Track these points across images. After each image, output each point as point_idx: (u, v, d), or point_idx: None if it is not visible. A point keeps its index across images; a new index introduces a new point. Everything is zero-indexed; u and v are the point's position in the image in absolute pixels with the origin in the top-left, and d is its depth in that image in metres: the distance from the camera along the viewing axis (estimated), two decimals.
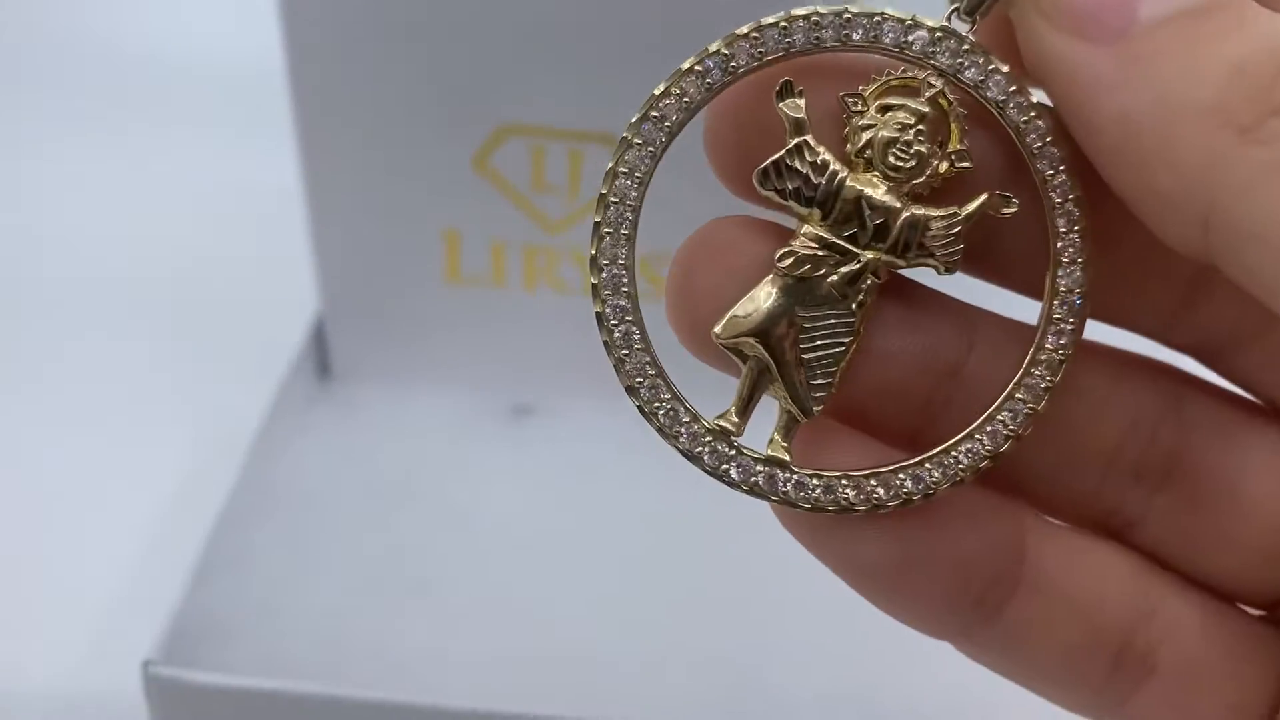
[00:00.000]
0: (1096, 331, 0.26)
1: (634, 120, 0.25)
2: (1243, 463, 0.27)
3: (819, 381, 0.25)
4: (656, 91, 0.24)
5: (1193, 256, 0.22)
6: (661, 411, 0.25)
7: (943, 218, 0.25)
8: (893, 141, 0.24)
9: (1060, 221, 0.25)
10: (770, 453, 0.25)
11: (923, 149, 0.24)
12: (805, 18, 0.24)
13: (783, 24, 0.24)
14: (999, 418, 0.25)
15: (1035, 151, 0.24)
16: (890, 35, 0.24)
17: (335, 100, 0.51)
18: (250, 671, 0.41)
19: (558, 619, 0.50)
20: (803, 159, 0.24)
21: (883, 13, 0.24)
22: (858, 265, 0.25)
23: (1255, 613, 0.28)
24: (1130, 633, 0.27)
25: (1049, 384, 0.25)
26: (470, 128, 0.51)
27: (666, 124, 0.25)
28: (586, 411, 0.57)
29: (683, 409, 0.25)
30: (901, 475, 0.25)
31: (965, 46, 0.24)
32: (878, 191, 0.25)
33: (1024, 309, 0.27)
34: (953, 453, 0.25)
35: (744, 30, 0.24)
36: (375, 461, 0.56)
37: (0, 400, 0.60)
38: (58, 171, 0.73)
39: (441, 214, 0.55)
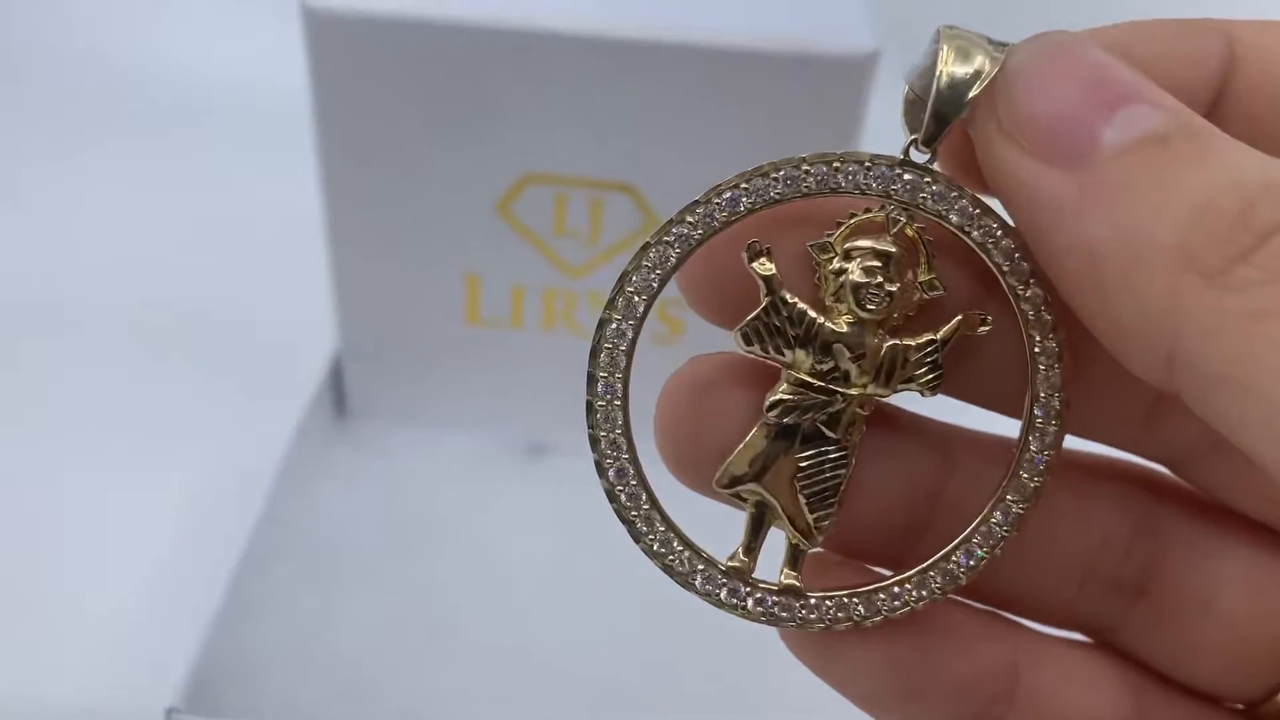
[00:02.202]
0: (1070, 442, 0.27)
1: (610, 298, 0.25)
2: (1215, 576, 0.28)
3: (821, 513, 0.26)
4: (628, 268, 0.25)
5: (1156, 385, 0.22)
6: (677, 562, 0.26)
7: (920, 346, 0.25)
8: (863, 286, 0.25)
9: (1035, 333, 0.25)
10: (785, 582, 0.26)
11: (893, 288, 0.25)
12: (763, 174, 0.25)
13: (742, 185, 0.25)
14: (992, 519, 0.26)
15: (1005, 269, 0.25)
16: (848, 178, 0.25)
17: (360, 140, 0.52)
18: (274, 717, 0.41)
19: (576, 659, 0.51)
20: (778, 314, 0.25)
21: (840, 157, 0.25)
22: (843, 403, 0.26)
23: (1237, 708, 0.29)
24: None
25: (1037, 484, 0.26)
26: (495, 174, 0.52)
27: (643, 296, 0.25)
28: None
29: (697, 556, 0.26)
30: (907, 585, 0.26)
31: (925, 178, 0.25)
32: (854, 331, 0.25)
33: (1008, 427, 0.28)
34: (952, 558, 0.26)
35: (703, 196, 0.25)
36: (392, 501, 0.56)
37: (14, 436, 0.60)
38: (79, 199, 0.74)
39: (463, 257, 0.55)
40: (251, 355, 0.64)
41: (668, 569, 0.26)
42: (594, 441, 0.26)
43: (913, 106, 0.25)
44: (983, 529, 0.26)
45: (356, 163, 0.53)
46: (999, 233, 0.25)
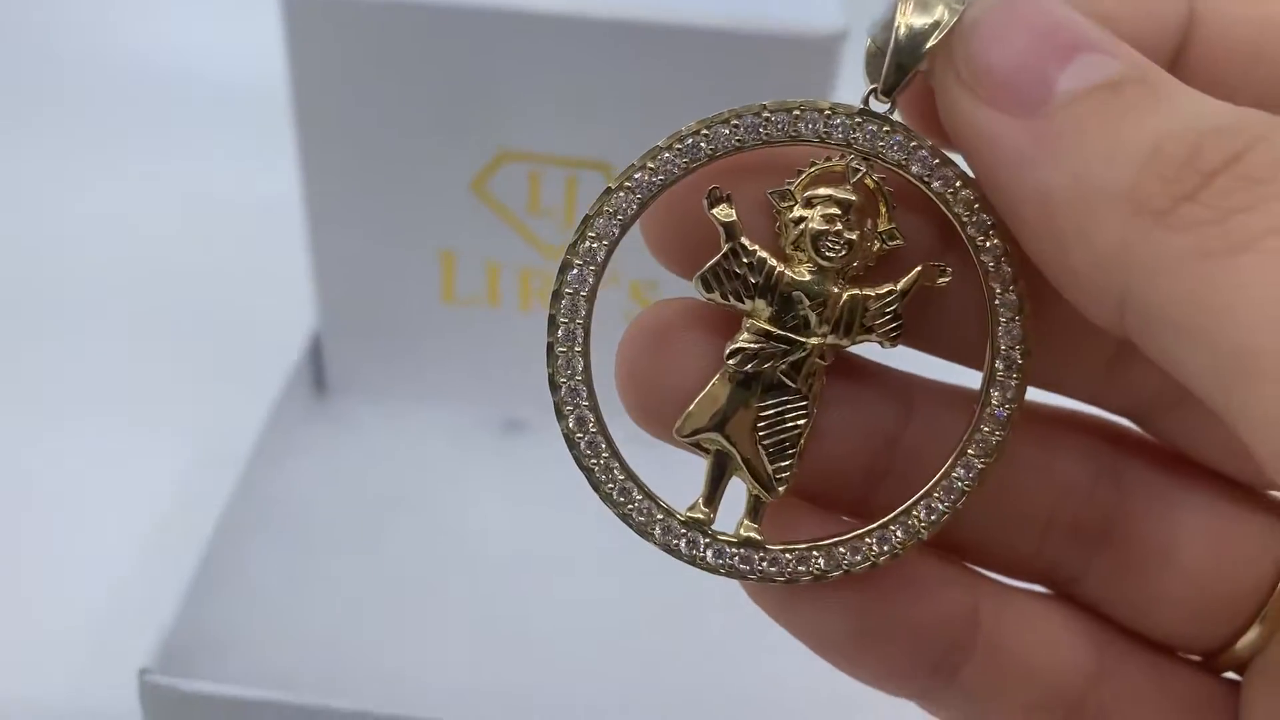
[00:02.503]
0: (1032, 394, 0.27)
1: (572, 242, 0.25)
2: (1176, 525, 0.28)
3: (781, 463, 0.26)
4: (590, 213, 0.25)
5: (1112, 332, 0.22)
6: (635, 512, 0.26)
7: (880, 296, 0.26)
8: (822, 234, 0.25)
9: (995, 285, 0.25)
10: (744, 534, 0.26)
11: (852, 236, 0.25)
12: (725, 122, 0.25)
13: (703, 131, 0.25)
14: (953, 474, 0.26)
15: (964, 220, 0.25)
16: (809, 126, 0.25)
17: (338, 120, 0.52)
18: (245, 682, 0.41)
19: (548, 634, 0.51)
20: (738, 261, 0.25)
21: (800, 105, 0.25)
22: (804, 353, 0.26)
23: (1193, 659, 0.29)
24: (1083, 694, 0.28)
25: (999, 439, 0.26)
26: (470, 152, 0.53)
27: (605, 241, 0.25)
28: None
29: (655, 506, 0.26)
30: (868, 539, 0.26)
31: (885, 127, 0.25)
32: (814, 280, 0.25)
33: (970, 378, 0.28)
34: (913, 512, 0.26)
35: (665, 143, 0.25)
36: (369, 476, 0.57)
37: None
38: (56, 181, 0.74)
39: (439, 235, 0.56)
40: (231, 333, 0.64)
41: (625, 518, 0.26)
42: (554, 386, 0.26)
43: (873, 58, 0.25)
44: (944, 483, 0.26)
45: (334, 141, 0.53)
46: (959, 184, 0.25)
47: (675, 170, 0.25)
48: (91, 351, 0.64)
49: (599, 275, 0.26)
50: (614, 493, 0.26)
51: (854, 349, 0.26)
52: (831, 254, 0.25)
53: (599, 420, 0.26)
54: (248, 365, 0.59)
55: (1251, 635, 0.28)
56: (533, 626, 0.51)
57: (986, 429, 0.26)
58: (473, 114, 0.51)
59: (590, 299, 0.26)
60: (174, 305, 0.67)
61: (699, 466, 0.27)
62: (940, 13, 0.24)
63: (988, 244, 0.25)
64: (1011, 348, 0.25)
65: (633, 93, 0.50)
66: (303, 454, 0.57)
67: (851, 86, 0.49)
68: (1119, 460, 0.29)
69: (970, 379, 0.27)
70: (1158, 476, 0.29)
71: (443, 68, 0.50)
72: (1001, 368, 0.26)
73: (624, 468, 0.26)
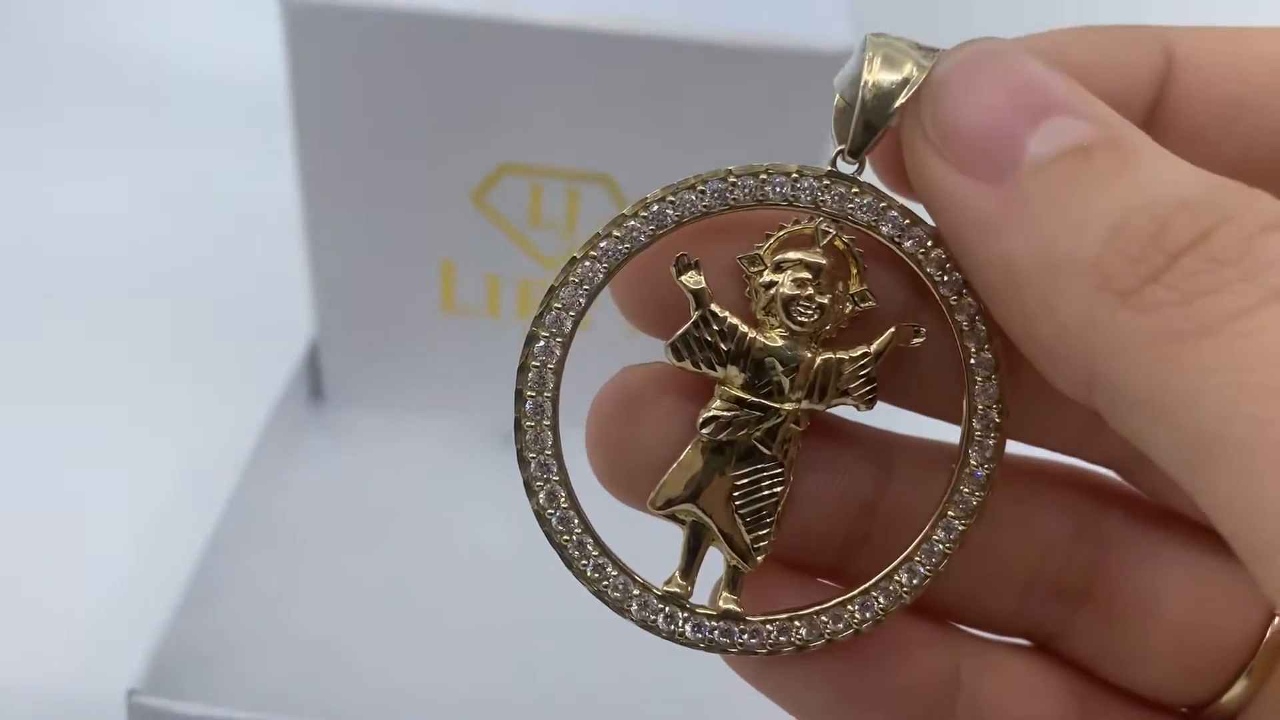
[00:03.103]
0: (1010, 447, 0.27)
1: (537, 314, 0.25)
2: (1159, 579, 0.27)
3: (759, 533, 0.26)
4: (555, 283, 0.25)
5: (1081, 402, 0.21)
6: (610, 588, 0.26)
7: (854, 359, 0.25)
8: (793, 299, 0.25)
9: (970, 343, 0.25)
10: (724, 607, 0.26)
11: (824, 300, 0.25)
12: (690, 188, 0.24)
13: (669, 198, 0.25)
14: (934, 537, 0.26)
15: (937, 280, 0.25)
16: (776, 190, 0.24)
17: (338, 127, 0.52)
18: (235, 702, 0.41)
19: (544, 650, 0.51)
20: (709, 328, 0.25)
21: (766, 169, 0.24)
22: (778, 419, 0.25)
23: (1178, 712, 0.29)
24: None
25: (979, 500, 0.25)
26: (472, 163, 0.52)
27: (571, 312, 0.25)
28: (575, 438, 0.57)
29: (631, 581, 0.26)
30: (850, 606, 0.26)
31: (854, 189, 0.24)
32: (786, 345, 0.25)
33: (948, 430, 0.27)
34: (894, 577, 0.26)
35: (630, 210, 0.25)
36: (365, 487, 0.56)
37: None
38: (55, 183, 0.73)
39: (439, 245, 0.55)
40: (227, 339, 0.64)
41: (600, 594, 0.26)
42: (523, 462, 0.25)
43: (842, 115, 0.24)
44: (925, 546, 0.26)
45: (334, 150, 0.53)
46: (930, 243, 0.24)
47: (641, 238, 0.25)
48: (81, 356, 0.63)
49: (566, 347, 0.25)
50: (588, 569, 0.26)
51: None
52: (804, 319, 0.25)
53: (570, 495, 0.26)
54: (243, 373, 0.59)
55: (1238, 689, 0.28)
56: (532, 642, 0.51)
57: (966, 490, 0.26)
58: (474, 125, 0.51)
59: (558, 371, 0.25)
60: (168, 310, 0.66)
61: (674, 533, 0.26)
62: (909, 69, 0.23)
63: (961, 303, 0.25)
64: (989, 407, 0.25)
65: (636, 106, 0.50)
66: (298, 464, 0.56)
67: None
68: (1100, 513, 0.28)
69: (949, 432, 0.27)
70: (1140, 529, 0.28)
71: (444, 78, 0.50)
72: (979, 427, 0.25)
73: (598, 543, 0.26)
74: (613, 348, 0.28)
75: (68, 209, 0.72)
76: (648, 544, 0.28)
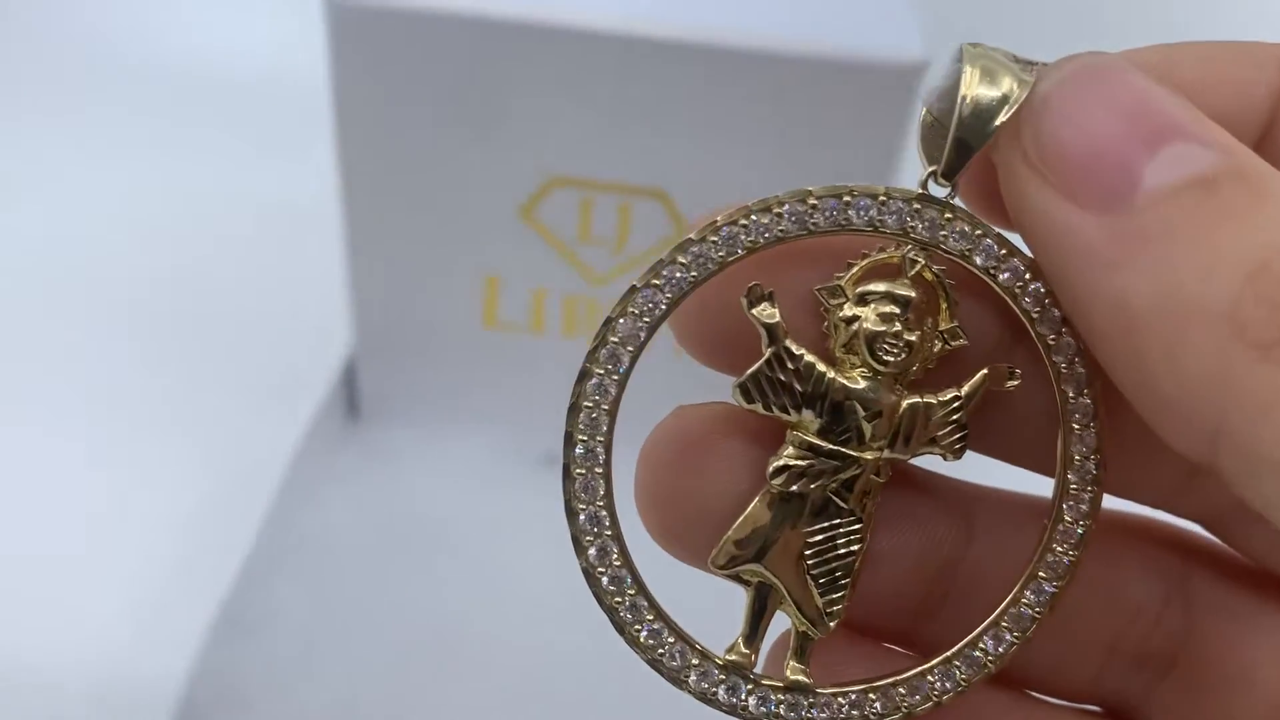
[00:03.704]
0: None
1: (591, 348, 0.23)
2: (1254, 646, 0.25)
3: (832, 595, 0.24)
4: (612, 314, 0.23)
5: (1198, 463, 0.19)
6: (667, 657, 0.24)
7: (943, 403, 0.23)
8: (878, 336, 0.23)
9: (1067, 388, 0.23)
10: (791, 678, 0.24)
11: (912, 338, 0.23)
12: (766, 209, 0.22)
13: (742, 221, 0.22)
14: (1023, 600, 0.24)
15: (1034, 316, 0.22)
16: (861, 214, 0.22)
17: (382, 135, 0.50)
18: None
19: (591, 683, 0.49)
20: (783, 367, 0.23)
21: (850, 190, 0.22)
22: (858, 469, 0.23)
23: None
24: None
25: (1072, 559, 0.23)
26: (520, 175, 0.50)
27: (629, 346, 0.23)
28: (616, 461, 0.56)
29: (690, 649, 0.24)
30: (930, 677, 0.24)
31: (946, 215, 0.22)
32: (869, 386, 0.23)
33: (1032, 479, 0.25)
34: (979, 644, 0.24)
35: (697, 234, 0.22)
36: (401, 511, 0.54)
37: (11, 434, 0.57)
38: (91, 188, 0.71)
39: (483, 258, 0.53)
40: (262, 353, 0.62)
41: (655, 664, 0.23)
42: (571, 514, 0.23)
43: (930, 131, 0.22)
44: (1012, 610, 0.24)
45: (377, 158, 0.51)
46: (1028, 276, 0.22)
47: (710, 265, 0.22)
48: (109, 368, 0.61)
49: (622, 385, 0.23)
50: (642, 635, 0.23)
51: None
52: (889, 358, 0.23)
53: (623, 550, 0.23)
54: (276, 387, 0.57)
55: None
56: (579, 674, 0.49)
57: (1059, 548, 0.23)
58: (523, 135, 0.49)
59: (613, 412, 0.23)
60: (200, 321, 0.64)
61: (735, 588, 0.24)
62: (1009, 85, 0.21)
63: (1060, 342, 0.22)
64: (1086, 457, 0.23)
65: (692, 118, 0.48)
66: (333, 486, 0.55)
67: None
68: (1189, 574, 0.26)
69: (1033, 482, 0.25)
70: (1233, 592, 0.26)
71: (493, 85, 0.47)
72: (1074, 480, 0.23)
73: (653, 606, 0.24)
74: (656, 369, 0.25)
75: (102, 213, 0.69)
76: (704, 601, 0.26)
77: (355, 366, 0.58)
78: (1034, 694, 0.26)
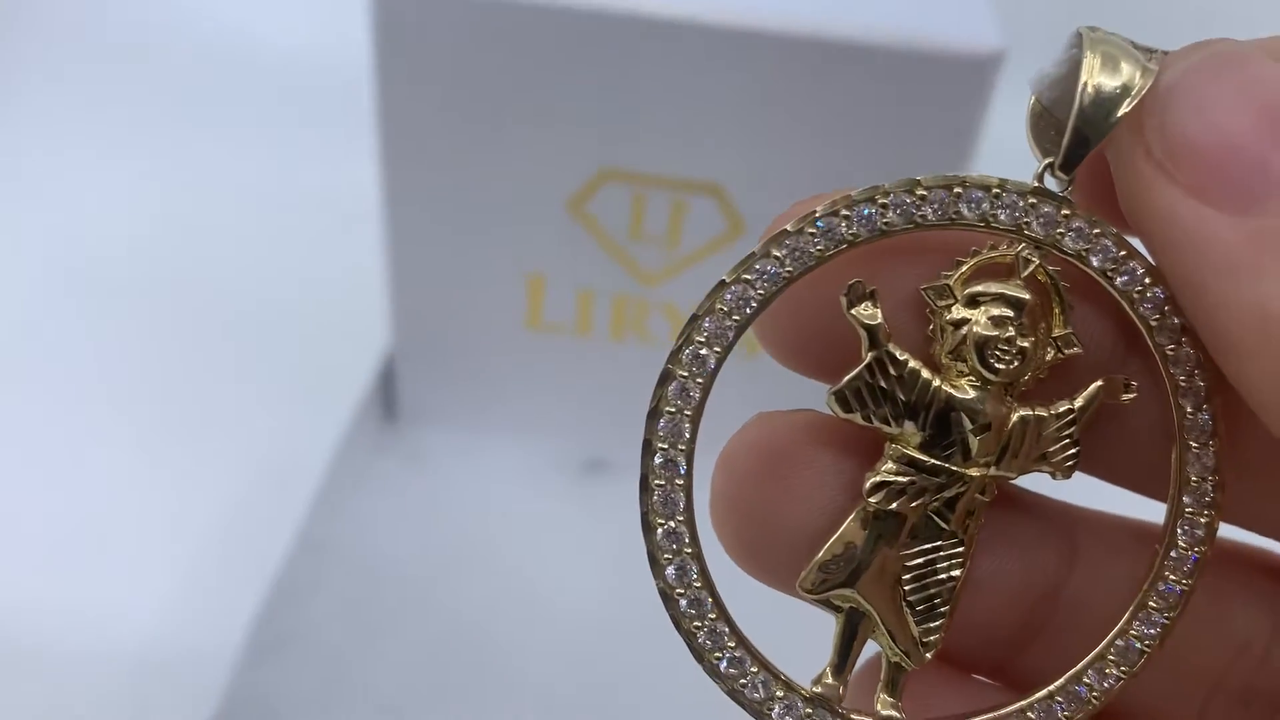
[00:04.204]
0: None
1: (675, 348, 0.21)
2: None
3: (930, 624, 0.22)
4: (698, 312, 0.21)
5: None
6: (749, 687, 0.22)
7: (1056, 416, 0.21)
8: (990, 340, 0.21)
9: (1185, 403, 0.21)
10: (883, 713, 0.22)
11: (1025, 344, 0.21)
12: (870, 200, 0.20)
13: (844, 211, 0.20)
14: (1131, 632, 0.22)
15: (1152, 324, 0.21)
16: (972, 208, 0.20)
17: (426, 126, 0.48)
18: None
19: (631, 703, 0.47)
20: (885, 374, 0.21)
21: (963, 181, 0.20)
22: (963, 487, 0.21)
23: None
24: None
25: (1185, 588, 0.22)
26: (570, 168, 0.48)
27: (717, 347, 0.21)
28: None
29: (774, 680, 0.22)
30: (1030, 714, 0.22)
31: (1064, 211, 0.20)
32: (978, 397, 0.21)
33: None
34: (1083, 679, 0.22)
35: (795, 226, 0.21)
36: (439, 517, 0.53)
37: (42, 439, 0.56)
38: (123, 177, 0.70)
39: (528, 256, 0.51)
40: (301, 352, 0.60)
41: (736, 694, 0.22)
42: (648, 528, 0.21)
43: (1041, 121, 0.20)
44: (1119, 643, 0.22)
45: (420, 150, 0.49)
46: (1147, 280, 0.21)
47: (807, 259, 0.21)
48: (144, 367, 0.59)
49: (707, 389, 0.21)
50: (722, 664, 0.22)
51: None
52: (1002, 365, 0.21)
53: (703, 571, 0.22)
54: (312, 388, 0.55)
55: None
56: (614, 696, 0.47)
57: (1172, 577, 0.22)
58: (573, 126, 0.47)
59: (695, 419, 0.21)
60: (237, 319, 0.62)
61: (821, 613, 0.22)
62: (1130, 73, 0.19)
63: (1179, 353, 0.21)
64: (1203, 479, 0.21)
65: (752, 110, 0.45)
66: (370, 489, 0.53)
67: (1003, 114, 0.44)
68: None
69: (1135, 506, 0.23)
70: None
71: (543, 74, 0.45)
72: (1190, 503, 0.21)
73: (734, 632, 0.22)
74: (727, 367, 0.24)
75: (142, 210, 0.68)
76: (787, 626, 0.25)
77: (394, 367, 0.56)
78: None
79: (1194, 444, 0.21)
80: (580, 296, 0.52)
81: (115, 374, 0.59)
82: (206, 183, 0.69)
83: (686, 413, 0.21)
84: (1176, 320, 0.21)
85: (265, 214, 0.67)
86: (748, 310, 0.21)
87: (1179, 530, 0.22)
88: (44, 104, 0.74)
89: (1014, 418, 0.21)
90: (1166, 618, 0.22)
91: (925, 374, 0.21)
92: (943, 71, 0.43)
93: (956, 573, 0.22)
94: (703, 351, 0.21)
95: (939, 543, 0.22)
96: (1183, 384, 0.21)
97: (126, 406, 0.57)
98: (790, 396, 0.23)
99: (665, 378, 0.21)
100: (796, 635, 0.25)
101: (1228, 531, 0.24)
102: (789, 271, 0.21)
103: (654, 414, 0.21)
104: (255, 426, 0.56)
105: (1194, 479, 0.21)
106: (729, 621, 0.22)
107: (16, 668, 0.46)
